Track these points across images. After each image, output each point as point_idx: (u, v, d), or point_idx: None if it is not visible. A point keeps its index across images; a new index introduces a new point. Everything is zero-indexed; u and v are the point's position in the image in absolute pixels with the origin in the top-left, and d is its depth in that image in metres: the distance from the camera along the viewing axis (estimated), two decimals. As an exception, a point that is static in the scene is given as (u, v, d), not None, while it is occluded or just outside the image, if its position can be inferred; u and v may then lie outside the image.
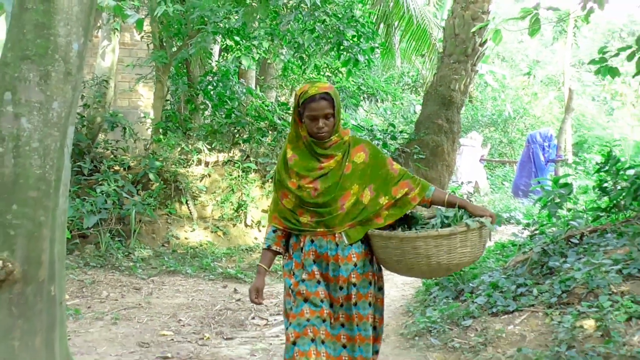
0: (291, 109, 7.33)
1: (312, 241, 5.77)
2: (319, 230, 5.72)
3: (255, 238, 16.71)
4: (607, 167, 11.59)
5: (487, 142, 31.79)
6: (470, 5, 18.46)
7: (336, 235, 5.72)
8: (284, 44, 18.86)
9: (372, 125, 23.12)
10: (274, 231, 5.95)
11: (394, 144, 20.50)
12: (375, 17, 20.47)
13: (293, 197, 5.78)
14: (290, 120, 7.79)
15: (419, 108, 21.74)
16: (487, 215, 5.63)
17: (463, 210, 5.77)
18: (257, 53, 19.08)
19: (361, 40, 18.26)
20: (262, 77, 21.79)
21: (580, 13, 11.35)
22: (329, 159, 5.78)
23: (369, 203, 5.77)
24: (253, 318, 11.17)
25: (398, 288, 13.01)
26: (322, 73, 22.31)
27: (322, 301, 5.66)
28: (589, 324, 8.00)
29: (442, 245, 5.32)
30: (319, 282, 5.72)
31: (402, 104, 26.76)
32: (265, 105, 19.26)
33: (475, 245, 5.48)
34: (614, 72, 11.59)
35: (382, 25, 20.76)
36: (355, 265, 5.71)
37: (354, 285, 5.68)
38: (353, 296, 5.70)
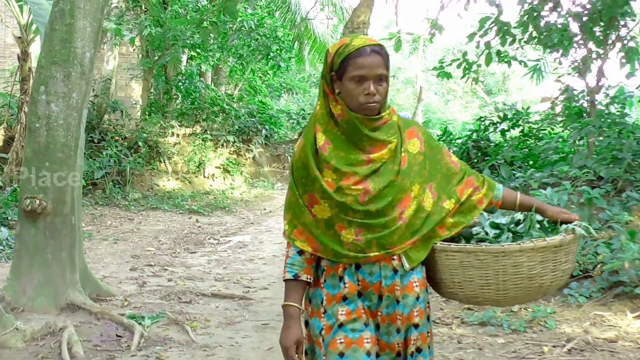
0: (321, 75, 3.00)
1: (358, 267, 2.85)
2: (371, 254, 2.81)
3: (210, 185, 16.72)
4: (444, 138, 11.72)
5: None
6: (354, 30, 18.41)
7: (394, 257, 2.84)
8: (230, 54, 18.84)
9: (289, 110, 23.31)
10: (300, 252, 2.90)
11: (304, 122, 20.71)
12: (292, 37, 20.38)
13: (330, 203, 2.82)
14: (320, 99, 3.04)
15: (320, 98, 21.71)
16: (574, 218, 3.01)
17: (533, 214, 3.06)
18: (212, 60, 18.95)
19: (282, 52, 18.75)
20: (216, 77, 21.55)
21: (427, 36, 11.42)
22: (379, 148, 2.84)
23: (433, 209, 2.95)
24: (209, 239, 11.16)
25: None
26: (256, 75, 22.17)
27: (368, 354, 2.82)
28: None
29: (547, 260, 2.85)
30: (366, 324, 2.83)
31: (310, 95, 26.67)
32: (218, 96, 19.28)
33: (573, 258, 3.04)
34: (448, 75, 11.69)
35: (296, 42, 20.65)
36: (418, 297, 2.89)
37: (416, 326, 2.88)
38: (412, 342, 2.88)
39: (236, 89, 22.53)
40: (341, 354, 2.79)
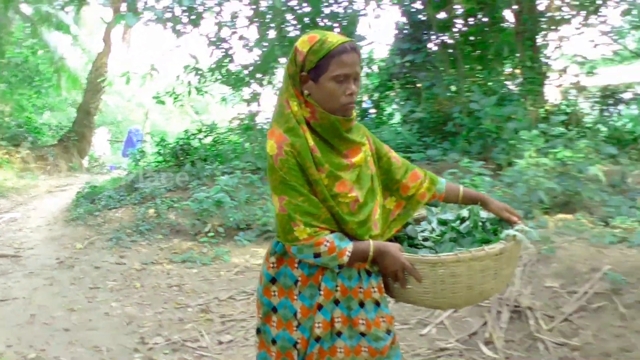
0: (287, 76, 2.09)
1: (338, 272, 2.10)
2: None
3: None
4: (161, 143, 12.17)
5: (109, 132, 31.03)
6: (98, 69, 19.02)
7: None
8: (1, 82, 18.49)
9: (50, 123, 22.81)
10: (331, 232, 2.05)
11: (62, 132, 20.55)
12: (52, 70, 19.97)
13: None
14: (282, 98, 2.11)
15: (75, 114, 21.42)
16: (516, 215, 2.31)
17: (477, 207, 2.36)
18: None
19: (43, 82, 19.41)
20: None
21: (149, 74, 12.07)
22: (355, 150, 2.14)
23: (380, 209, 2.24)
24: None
25: (60, 198, 12.44)
26: (23, 97, 21.33)
27: None
28: (151, 211, 8.49)
29: (488, 268, 2.11)
30: (339, 333, 2.11)
31: (67, 112, 26.18)
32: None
33: (516, 263, 2.30)
34: (162, 102, 12.94)
35: (55, 75, 20.28)
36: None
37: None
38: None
39: (7, 106, 21.89)
40: None
